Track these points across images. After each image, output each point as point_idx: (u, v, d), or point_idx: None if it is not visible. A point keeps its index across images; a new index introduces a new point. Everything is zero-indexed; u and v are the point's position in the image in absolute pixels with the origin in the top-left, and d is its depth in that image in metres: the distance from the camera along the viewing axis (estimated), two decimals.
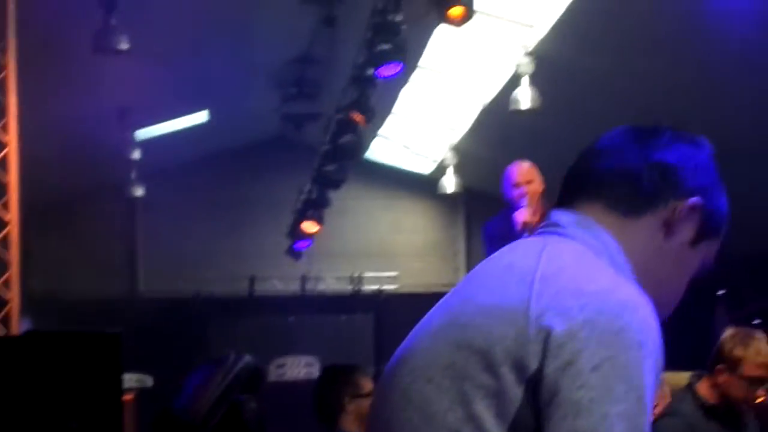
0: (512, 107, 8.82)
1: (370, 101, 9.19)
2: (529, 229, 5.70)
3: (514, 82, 9.02)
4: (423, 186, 13.80)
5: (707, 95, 8.86)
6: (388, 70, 8.07)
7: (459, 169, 12.29)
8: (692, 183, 1.53)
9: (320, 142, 10.66)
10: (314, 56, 10.80)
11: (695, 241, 1.53)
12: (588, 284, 1.35)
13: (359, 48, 8.46)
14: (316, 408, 4.40)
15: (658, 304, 1.46)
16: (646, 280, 1.48)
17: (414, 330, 1.48)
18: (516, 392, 1.30)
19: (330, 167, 10.79)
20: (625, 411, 1.27)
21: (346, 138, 9.80)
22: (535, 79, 8.75)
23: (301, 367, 11.35)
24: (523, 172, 6.10)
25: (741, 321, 13.29)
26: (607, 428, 1.26)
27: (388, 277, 14.35)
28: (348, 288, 14.26)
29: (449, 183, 12.33)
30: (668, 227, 1.52)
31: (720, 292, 13.08)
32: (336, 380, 4.29)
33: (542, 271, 1.38)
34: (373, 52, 8.01)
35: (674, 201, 1.52)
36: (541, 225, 1.56)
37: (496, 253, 1.51)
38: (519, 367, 1.30)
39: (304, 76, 11.27)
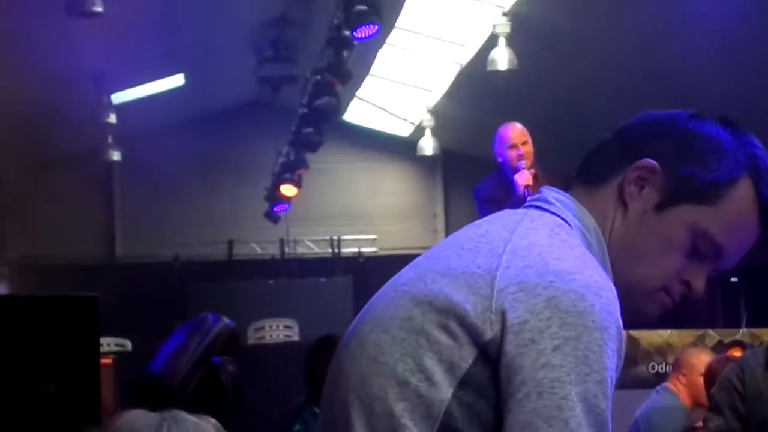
0: (489, 68, 8.79)
1: (347, 63, 9.15)
2: (531, 191, 5.64)
3: (491, 42, 8.99)
4: (401, 148, 13.77)
5: (690, 58, 8.85)
6: (365, 32, 8.03)
7: (437, 131, 12.26)
8: (652, 148, 1.50)
9: (297, 104, 10.61)
10: (290, 18, 10.73)
11: (660, 206, 1.49)
12: (556, 263, 1.35)
13: (335, 9, 8.41)
14: (311, 375, 4.44)
15: (633, 275, 1.45)
16: (618, 252, 1.48)
17: (384, 285, 1.49)
18: (469, 353, 1.32)
19: (307, 130, 10.75)
20: (585, 393, 1.28)
21: (323, 100, 9.76)
22: (512, 40, 8.72)
23: (280, 330, 11.36)
24: (518, 134, 6.03)
25: (718, 279, 13.36)
26: (567, 410, 1.26)
27: (367, 240, 14.35)
28: (327, 251, 14.26)
29: (427, 145, 12.30)
30: (621, 193, 1.50)
31: None
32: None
33: (514, 243, 1.39)
34: (349, 13, 7.96)
35: (630, 167, 1.50)
36: (530, 198, 1.56)
37: (478, 221, 1.51)
38: (475, 332, 1.32)
39: (281, 38, 11.21)
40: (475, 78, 10.18)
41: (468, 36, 10.18)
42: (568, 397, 1.27)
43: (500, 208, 1.58)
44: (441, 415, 1.32)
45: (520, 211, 1.51)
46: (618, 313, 1.34)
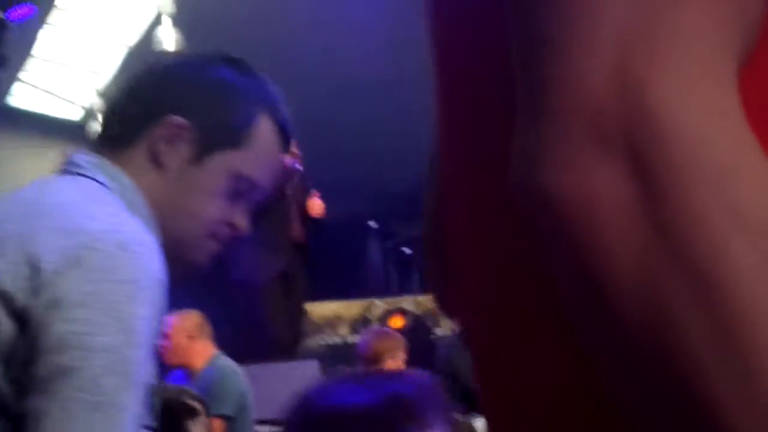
0: (156, 49, 8.67)
1: (4, 46, 8.75)
2: None
3: (157, 23, 8.87)
4: (74, 132, 13.36)
5: None
6: (20, 13, 7.71)
7: None
8: (173, 103, 1.55)
9: None
10: None
11: (195, 159, 1.54)
12: (87, 222, 1.34)
13: None
14: None
15: (180, 228, 1.49)
16: (162, 209, 1.51)
17: None
18: (7, 325, 1.28)
19: None
20: (110, 343, 1.27)
21: None
22: (178, 20, 8.63)
23: None
24: None
25: (391, 250, 13.90)
26: (89, 360, 1.26)
27: None
28: None
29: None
30: (152, 153, 1.54)
31: (372, 224, 13.60)
32: None
33: (43, 205, 1.37)
34: None
35: (155, 125, 1.54)
36: (62, 165, 1.56)
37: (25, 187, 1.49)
38: (9, 299, 1.29)
39: None
40: (144, 59, 9.99)
41: (134, 16, 9.99)
42: (90, 349, 1.26)
43: None
44: None
45: (54, 177, 1.52)
46: (156, 265, 1.35)
